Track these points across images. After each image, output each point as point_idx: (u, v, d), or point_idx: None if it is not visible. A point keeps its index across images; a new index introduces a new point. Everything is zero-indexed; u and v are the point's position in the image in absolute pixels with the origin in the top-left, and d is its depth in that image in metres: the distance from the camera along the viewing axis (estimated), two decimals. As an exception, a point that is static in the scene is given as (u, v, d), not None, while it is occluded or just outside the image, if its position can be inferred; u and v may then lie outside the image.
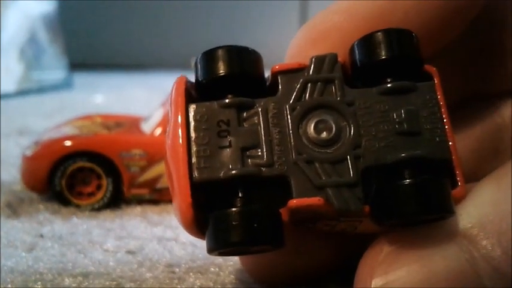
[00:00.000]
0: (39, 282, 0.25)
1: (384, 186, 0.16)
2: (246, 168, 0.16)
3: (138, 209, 0.37)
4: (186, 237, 0.31)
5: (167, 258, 0.28)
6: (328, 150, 0.17)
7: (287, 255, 0.22)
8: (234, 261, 0.27)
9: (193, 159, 0.17)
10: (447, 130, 0.17)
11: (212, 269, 0.27)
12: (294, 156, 0.17)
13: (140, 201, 0.37)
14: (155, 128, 0.38)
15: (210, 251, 0.17)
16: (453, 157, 0.17)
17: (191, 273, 0.26)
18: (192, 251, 0.29)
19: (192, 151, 0.17)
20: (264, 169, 0.17)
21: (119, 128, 0.41)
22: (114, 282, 0.25)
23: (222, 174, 0.16)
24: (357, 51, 0.18)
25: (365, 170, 0.17)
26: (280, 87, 0.18)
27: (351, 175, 0.16)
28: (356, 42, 0.18)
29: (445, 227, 0.17)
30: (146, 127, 0.40)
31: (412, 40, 0.18)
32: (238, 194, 0.17)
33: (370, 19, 0.19)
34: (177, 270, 0.27)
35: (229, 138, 0.17)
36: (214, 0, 1.51)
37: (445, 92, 0.18)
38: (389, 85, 0.17)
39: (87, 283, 0.25)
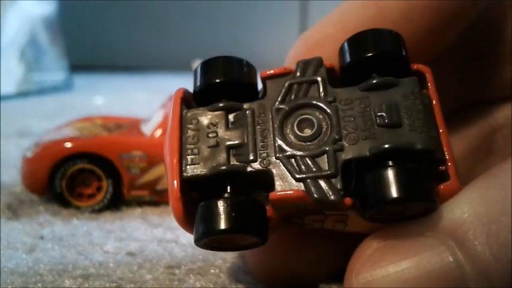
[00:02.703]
0: (40, 284, 0.25)
1: (364, 176, 0.17)
2: (231, 164, 0.18)
3: (138, 210, 0.37)
4: (186, 238, 0.31)
5: (167, 259, 0.28)
6: (310, 146, 0.18)
7: (291, 256, 0.22)
8: (234, 263, 0.28)
9: (184, 159, 0.18)
10: (437, 123, 0.17)
11: (212, 270, 0.27)
12: (276, 153, 0.18)
13: (140, 202, 0.37)
14: (155, 130, 0.38)
15: (196, 240, 0.18)
16: (444, 150, 0.17)
17: (191, 275, 0.26)
18: (192, 253, 0.29)
19: (184, 152, 0.18)
20: (248, 165, 0.18)
21: (119, 130, 0.41)
22: (114, 284, 0.25)
23: (208, 171, 0.18)
24: (343, 53, 0.19)
25: (346, 163, 0.17)
26: (267, 90, 0.19)
27: (330, 167, 0.17)
28: (342, 44, 0.19)
29: (434, 225, 0.17)
30: (146, 129, 0.40)
31: (396, 39, 0.19)
32: (226, 189, 0.18)
33: (361, 29, 0.19)
34: (177, 271, 0.27)
35: (217, 138, 0.18)
36: (214, 1, 1.51)
37: (440, 98, 0.18)
38: (370, 81, 0.18)
39: (87, 284, 0.25)
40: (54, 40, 1.14)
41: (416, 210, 0.17)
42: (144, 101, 0.77)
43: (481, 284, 0.16)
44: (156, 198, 0.37)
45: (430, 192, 0.16)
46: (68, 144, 0.37)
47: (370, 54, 0.18)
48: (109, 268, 0.27)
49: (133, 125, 0.42)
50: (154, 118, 0.40)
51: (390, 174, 0.16)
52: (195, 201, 0.18)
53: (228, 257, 0.28)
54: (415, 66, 0.19)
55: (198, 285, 0.25)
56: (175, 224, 0.34)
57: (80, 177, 0.37)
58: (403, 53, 0.18)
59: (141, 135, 0.39)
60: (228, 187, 0.18)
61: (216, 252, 0.29)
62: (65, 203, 0.36)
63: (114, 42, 1.58)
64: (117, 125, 0.43)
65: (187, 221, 0.18)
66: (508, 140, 0.22)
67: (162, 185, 0.37)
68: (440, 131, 0.17)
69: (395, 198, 0.16)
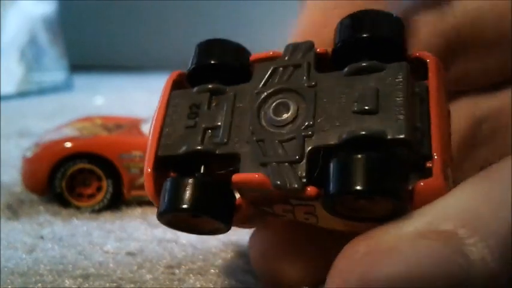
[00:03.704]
0: (40, 284, 0.25)
1: (328, 164, 0.16)
2: (203, 146, 0.18)
3: (138, 210, 0.37)
4: (186, 238, 0.31)
5: (167, 259, 0.28)
6: (282, 131, 0.17)
7: (296, 256, 0.21)
8: (234, 263, 0.28)
9: (162, 138, 0.19)
10: (429, 115, 0.16)
11: (212, 270, 0.27)
12: (248, 137, 0.17)
13: (140, 202, 0.37)
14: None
15: (159, 216, 0.18)
16: (432, 144, 0.16)
17: (191, 275, 0.26)
18: (192, 253, 0.29)
19: (163, 131, 0.19)
20: (219, 148, 0.18)
21: (119, 130, 0.41)
22: (114, 284, 0.25)
23: (181, 151, 0.18)
24: (335, 34, 0.18)
25: (315, 150, 0.16)
26: (253, 74, 0.19)
27: (296, 153, 0.16)
28: (337, 25, 0.18)
29: (427, 224, 0.15)
30: (146, 129, 0.40)
31: (395, 23, 0.18)
32: (200, 169, 0.18)
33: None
34: (177, 271, 0.27)
35: (196, 119, 0.18)
36: (215, 1, 1.51)
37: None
38: (356, 65, 0.17)
39: (87, 284, 0.25)
40: (54, 40, 1.14)
41: (384, 208, 0.15)
42: (144, 101, 0.77)
43: (484, 284, 0.15)
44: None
45: (396, 187, 0.15)
46: (68, 144, 0.37)
47: (362, 36, 0.17)
48: (109, 268, 0.27)
49: (133, 125, 0.42)
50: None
51: (353, 162, 0.15)
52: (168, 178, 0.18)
53: (228, 257, 0.28)
54: (416, 54, 0.17)
55: (198, 285, 0.25)
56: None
57: (80, 177, 0.37)
58: (400, 39, 0.18)
59: (141, 135, 0.39)
60: (202, 168, 0.18)
61: (216, 252, 0.29)
62: (65, 203, 0.36)
63: (114, 42, 1.58)
64: (117, 125, 0.43)
65: (157, 195, 0.18)
66: (495, 131, 0.22)
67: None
68: (432, 123, 0.16)
69: (354, 190, 0.14)
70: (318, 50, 0.18)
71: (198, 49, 0.20)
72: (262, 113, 0.18)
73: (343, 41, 0.18)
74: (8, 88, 0.98)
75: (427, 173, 0.15)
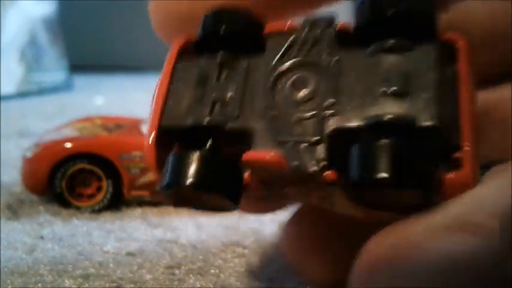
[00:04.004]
0: (40, 284, 0.25)
1: (351, 148, 0.14)
2: (212, 118, 0.16)
3: (138, 210, 0.37)
4: (186, 238, 0.31)
5: (167, 259, 0.28)
6: (301, 108, 0.16)
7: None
8: (234, 263, 0.28)
9: (167, 107, 0.17)
10: (459, 102, 0.15)
11: (212, 270, 0.27)
12: (262, 112, 0.16)
13: (140, 203, 0.37)
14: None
15: (161, 190, 0.16)
16: (462, 133, 0.14)
17: (191, 275, 0.26)
18: (192, 253, 0.29)
19: (168, 100, 0.17)
20: (229, 122, 0.16)
21: (119, 130, 0.41)
22: (114, 284, 0.25)
23: (187, 122, 0.17)
24: (359, 9, 0.17)
25: (336, 131, 0.15)
26: (269, 46, 0.17)
27: (315, 134, 0.15)
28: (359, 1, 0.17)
29: (456, 216, 0.14)
30: (146, 129, 0.40)
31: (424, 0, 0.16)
32: (206, 143, 0.17)
33: None
34: (177, 272, 0.27)
35: (205, 90, 0.17)
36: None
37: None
38: (383, 43, 0.16)
39: (87, 285, 0.25)
40: (54, 40, 1.14)
41: (411, 198, 0.14)
42: (144, 101, 0.77)
43: None
44: (156, 199, 0.37)
45: (426, 177, 0.14)
46: (68, 145, 0.37)
47: (389, 11, 0.16)
48: (109, 268, 0.27)
49: (133, 125, 0.42)
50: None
51: (380, 148, 0.14)
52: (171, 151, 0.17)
53: (228, 257, 0.28)
54: (447, 35, 0.16)
55: (198, 285, 0.25)
56: (175, 224, 0.35)
57: (80, 177, 0.37)
58: (431, 16, 0.16)
59: (141, 135, 0.39)
60: (209, 142, 0.17)
61: (216, 252, 0.29)
62: (65, 203, 0.36)
63: (114, 43, 1.58)
64: (117, 125, 0.43)
65: (159, 167, 0.17)
66: (497, 126, 0.21)
67: (162, 185, 0.37)
68: (463, 111, 0.14)
69: (379, 178, 0.13)
70: (339, 25, 0.17)
71: (207, 17, 0.18)
72: (279, 87, 0.16)
73: (367, 15, 0.16)
74: (8, 88, 0.98)
75: (454, 164, 0.14)
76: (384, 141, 0.14)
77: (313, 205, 0.18)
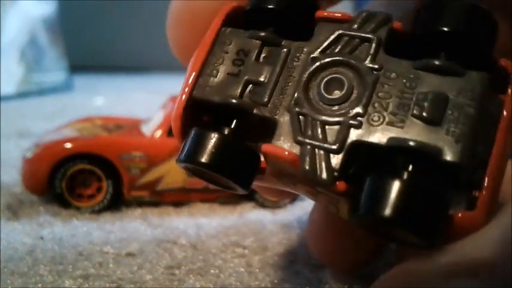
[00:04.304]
0: (40, 284, 0.25)
1: (367, 174, 0.14)
2: (241, 100, 0.16)
3: (138, 211, 0.37)
4: (186, 239, 0.31)
5: (167, 260, 0.28)
6: (328, 111, 0.15)
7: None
8: (234, 263, 0.28)
9: (201, 77, 0.17)
10: (494, 140, 0.14)
11: (212, 270, 0.27)
12: (291, 105, 0.16)
13: (140, 203, 0.37)
14: (155, 130, 0.38)
15: (177, 161, 0.17)
16: (487, 174, 0.14)
17: (191, 275, 0.26)
18: (192, 253, 0.29)
19: (205, 70, 0.17)
20: (257, 107, 0.16)
21: (119, 130, 0.41)
22: (114, 284, 0.25)
23: (216, 98, 0.17)
24: (417, 18, 0.16)
25: (356, 143, 0.15)
26: (315, 34, 0.17)
27: (335, 142, 0.15)
28: (422, 6, 0.16)
29: (461, 257, 0.14)
30: (146, 129, 0.40)
31: (487, 20, 0.15)
32: (231, 123, 0.17)
33: None
34: (177, 272, 0.27)
35: (241, 68, 0.17)
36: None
37: None
38: (431, 61, 0.15)
39: (87, 285, 0.25)
40: (54, 41, 1.15)
41: (413, 238, 0.14)
42: (144, 102, 0.77)
43: None
44: (156, 199, 0.37)
45: (429, 225, 0.13)
46: (68, 145, 0.37)
47: (444, 29, 0.15)
48: (109, 268, 0.27)
49: (133, 126, 0.42)
50: (155, 119, 0.40)
51: (393, 186, 0.13)
52: (201, 123, 0.17)
53: (228, 257, 0.28)
54: (501, 62, 0.15)
55: (198, 286, 0.25)
56: (175, 224, 0.35)
57: (80, 177, 0.37)
58: (488, 41, 0.15)
59: (141, 135, 0.39)
60: (234, 122, 0.17)
61: (216, 252, 0.29)
62: (65, 204, 0.36)
63: (114, 43, 1.58)
64: (117, 126, 0.43)
65: (183, 137, 0.17)
66: None
67: (162, 185, 0.37)
68: (493, 152, 0.14)
69: (385, 217, 0.13)
70: (394, 25, 0.16)
71: None
72: (313, 82, 0.16)
73: (423, 27, 0.16)
74: (8, 88, 0.98)
75: (472, 200, 0.14)
76: (397, 179, 0.13)
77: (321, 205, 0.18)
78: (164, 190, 0.37)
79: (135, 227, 0.33)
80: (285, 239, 0.31)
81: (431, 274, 0.14)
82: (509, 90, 0.14)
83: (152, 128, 0.39)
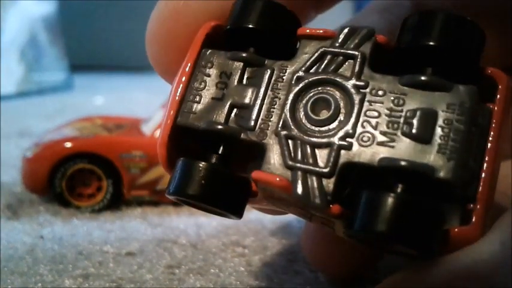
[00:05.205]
0: (40, 284, 0.25)
1: (361, 192, 0.14)
2: (227, 126, 0.16)
3: (138, 210, 0.37)
4: (186, 238, 0.31)
5: (167, 259, 0.28)
6: (316, 133, 0.15)
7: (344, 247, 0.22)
8: (234, 263, 0.28)
9: (184, 103, 0.17)
10: (485, 153, 0.14)
11: (212, 270, 0.27)
12: (278, 128, 0.15)
13: (140, 202, 0.37)
14: (155, 130, 0.38)
15: (167, 194, 0.17)
16: (479, 188, 0.14)
17: (191, 275, 0.26)
18: (192, 253, 0.29)
19: (187, 95, 0.17)
20: (244, 132, 0.16)
21: (119, 130, 0.41)
22: (114, 284, 0.25)
23: (201, 125, 0.16)
24: (401, 32, 0.16)
25: (347, 165, 0.15)
26: (298, 52, 0.16)
27: (327, 165, 0.15)
28: (404, 20, 0.16)
29: (456, 270, 0.14)
30: (146, 129, 0.40)
31: (473, 32, 0.15)
32: (219, 149, 0.16)
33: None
34: (177, 271, 0.27)
35: (225, 91, 0.17)
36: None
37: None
38: (418, 76, 0.15)
39: (87, 284, 0.25)
40: (54, 40, 1.15)
41: (408, 252, 0.14)
42: (144, 101, 0.77)
43: None
44: (156, 198, 0.37)
45: (424, 238, 0.13)
46: (68, 144, 0.37)
47: (430, 44, 0.15)
48: (109, 268, 0.27)
49: (133, 125, 0.42)
50: (155, 118, 0.40)
51: (386, 202, 0.13)
52: (188, 150, 0.17)
53: (228, 257, 0.28)
54: (488, 71, 0.15)
55: (198, 285, 0.25)
56: (175, 224, 0.35)
57: (80, 177, 0.37)
58: (475, 53, 0.15)
59: (141, 135, 0.39)
60: (221, 148, 0.16)
61: (216, 252, 0.29)
62: (65, 203, 0.36)
63: (114, 43, 1.58)
64: (117, 125, 0.43)
65: (170, 165, 0.17)
66: None
67: (162, 184, 0.37)
68: (485, 165, 0.14)
69: (377, 232, 0.13)
70: (378, 39, 0.16)
71: (242, 5, 0.17)
72: (299, 104, 0.16)
73: (408, 42, 0.15)
74: (8, 88, 0.98)
75: (466, 214, 0.14)
76: (390, 195, 0.13)
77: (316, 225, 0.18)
78: (164, 189, 0.37)
79: (135, 226, 0.33)
80: (285, 239, 0.31)
81: (429, 284, 0.14)
82: (498, 99, 0.14)
83: (152, 128, 0.39)
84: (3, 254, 0.28)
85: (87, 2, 1.53)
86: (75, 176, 0.37)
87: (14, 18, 1.04)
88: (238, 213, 0.16)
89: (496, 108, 0.14)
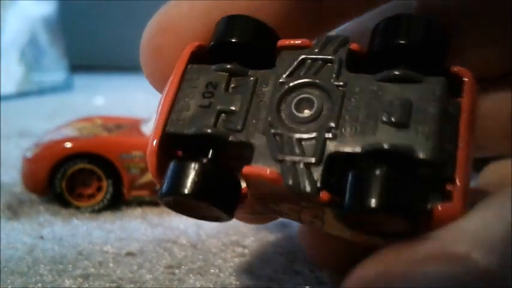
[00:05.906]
0: (40, 284, 0.25)
1: (345, 174, 0.15)
2: (215, 129, 0.17)
3: (138, 210, 0.37)
4: (186, 238, 0.31)
5: (167, 259, 0.28)
6: (302, 129, 0.16)
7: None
8: (234, 263, 0.28)
9: (172, 113, 0.18)
10: (458, 137, 0.15)
11: (212, 270, 0.27)
12: (265, 128, 0.16)
13: (140, 202, 0.37)
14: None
15: (159, 197, 0.17)
16: (456, 167, 0.15)
17: (191, 275, 0.26)
18: (192, 253, 0.29)
19: (175, 106, 0.18)
20: (232, 134, 0.17)
21: (119, 130, 0.41)
22: (114, 284, 0.25)
23: (191, 130, 0.17)
24: (373, 36, 0.17)
25: (333, 154, 0.15)
26: (279, 61, 0.18)
27: (314, 155, 0.15)
28: (375, 26, 0.17)
29: (440, 247, 0.14)
30: (146, 129, 0.40)
31: (437, 30, 0.17)
32: (208, 153, 0.17)
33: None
34: (177, 271, 0.27)
35: (212, 100, 0.17)
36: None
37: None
38: (391, 72, 0.16)
39: (87, 284, 0.25)
40: (54, 40, 1.15)
41: (398, 226, 0.15)
42: (144, 101, 0.77)
43: None
44: (156, 198, 0.37)
45: (413, 208, 0.14)
46: (68, 145, 0.37)
47: (399, 42, 0.16)
48: (109, 268, 0.27)
49: (133, 125, 0.42)
50: (154, 118, 0.40)
51: (371, 178, 0.14)
52: (179, 159, 0.17)
53: (228, 257, 0.28)
54: (455, 69, 0.16)
55: (198, 285, 0.25)
56: (175, 224, 0.35)
57: (80, 177, 0.37)
58: (440, 50, 0.16)
59: (141, 135, 0.39)
60: (210, 152, 0.17)
61: (216, 252, 0.29)
62: (65, 203, 0.37)
63: (114, 43, 1.58)
64: (117, 125, 0.43)
65: (160, 174, 0.17)
66: (488, 133, 0.20)
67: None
68: (460, 147, 0.15)
69: (369, 208, 0.14)
70: (351, 46, 0.17)
71: (223, 23, 0.19)
72: (283, 105, 0.17)
73: (380, 42, 0.17)
74: (8, 88, 0.98)
75: (446, 195, 0.15)
76: (377, 171, 0.14)
77: (306, 225, 0.19)
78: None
79: (135, 226, 0.33)
80: (285, 239, 0.31)
81: (409, 260, 0.14)
82: (464, 90, 0.16)
83: (152, 128, 0.39)
84: (3, 254, 0.28)
85: (87, 2, 1.53)
86: (75, 176, 0.37)
87: (14, 18, 1.04)
88: (230, 211, 0.17)
89: (464, 99, 0.16)
